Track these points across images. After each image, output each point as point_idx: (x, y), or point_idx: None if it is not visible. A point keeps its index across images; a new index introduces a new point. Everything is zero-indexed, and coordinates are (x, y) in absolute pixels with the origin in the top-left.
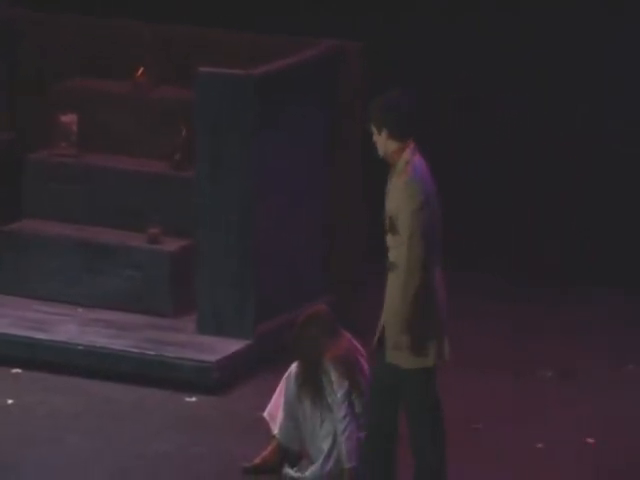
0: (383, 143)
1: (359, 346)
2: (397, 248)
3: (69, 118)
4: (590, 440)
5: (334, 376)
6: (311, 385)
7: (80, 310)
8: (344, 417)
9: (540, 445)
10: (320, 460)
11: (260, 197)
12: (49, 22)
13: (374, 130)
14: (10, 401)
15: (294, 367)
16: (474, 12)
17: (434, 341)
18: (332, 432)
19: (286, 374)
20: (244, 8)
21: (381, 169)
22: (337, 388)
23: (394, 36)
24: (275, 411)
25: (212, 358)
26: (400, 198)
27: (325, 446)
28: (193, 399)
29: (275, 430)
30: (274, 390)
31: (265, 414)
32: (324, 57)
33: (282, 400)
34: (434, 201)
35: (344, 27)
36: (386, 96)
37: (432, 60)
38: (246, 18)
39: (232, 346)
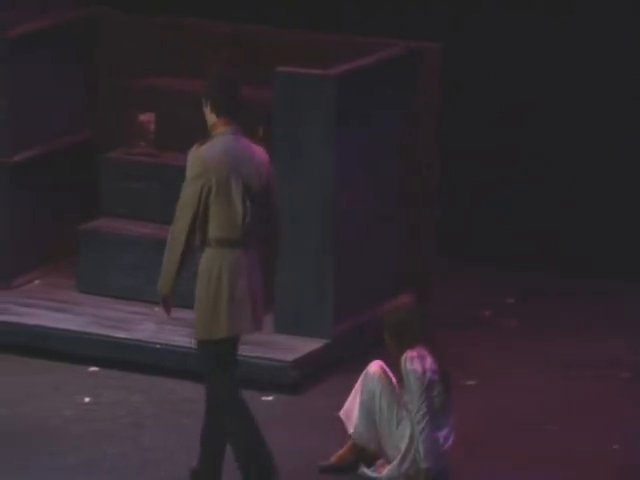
0: (207, 115)
1: (435, 345)
2: None
3: (147, 117)
4: None
5: (413, 374)
6: (391, 385)
7: (157, 309)
8: (422, 417)
9: (616, 447)
10: (397, 460)
11: (338, 196)
12: (126, 21)
13: (203, 102)
14: (88, 399)
15: (371, 367)
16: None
17: (223, 315)
18: (409, 432)
19: (363, 374)
20: (322, 9)
21: (457, 168)
22: (415, 386)
23: (470, 36)
24: (351, 411)
25: (289, 357)
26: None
27: (402, 446)
28: (270, 398)
29: (351, 430)
30: (351, 389)
31: (341, 414)
32: (401, 57)
33: (358, 400)
34: (230, 177)
35: (422, 27)
36: (214, 73)
37: (505, 60)
38: (325, 19)
39: (310, 345)
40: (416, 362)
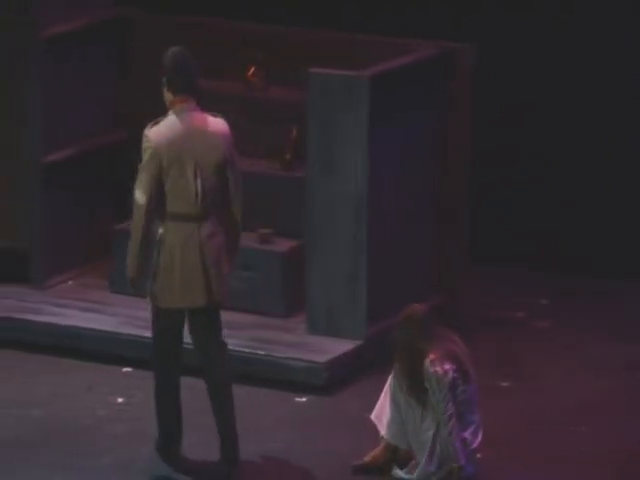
0: (165, 95)
1: (462, 345)
2: None
3: None
4: None
5: (435, 376)
6: (412, 386)
7: None
8: (449, 418)
9: None
10: (424, 460)
11: (372, 197)
12: (160, 22)
13: (162, 80)
14: (121, 399)
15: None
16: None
17: (174, 287)
18: (433, 431)
19: (391, 375)
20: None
21: (491, 169)
22: (439, 388)
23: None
24: (381, 412)
25: (322, 358)
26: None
27: (427, 445)
28: (303, 399)
29: (382, 432)
30: (382, 391)
31: (372, 417)
32: (434, 58)
33: (388, 400)
34: (182, 154)
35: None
36: (170, 54)
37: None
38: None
39: (342, 346)
40: (438, 364)
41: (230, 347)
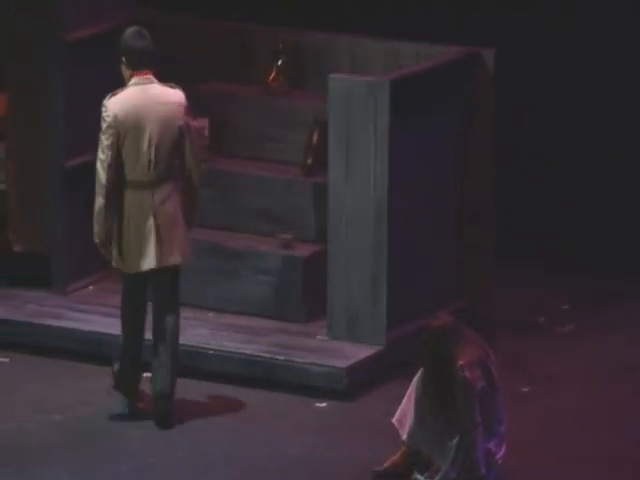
0: (124, 72)
1: (490, 352)
2: None
3: (200, 122)
4: None
5: (465, 382)
6: (439, 392)
7: (211, 314)
8: (475, 426)
9: None
10: (446, 466)
11: (393, 201)
12: (179, 26)
13: (120, 61)
14: (141, 405)
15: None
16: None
17: (130, 252)
18: (457, 438)
19: (415, 379)
20: (377, 14)
21: (513, 173)
22: (468, 394)
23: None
24: (404, 417)
25: (343, 364)
26: None
27: (450, 452)
28: (323, 404)
29: (404, 436)
30: (404, 396)
31: (394, 420)
32: (456, 62)
33: (411, 405)
34: (140, 123)
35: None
36: (126, 33)
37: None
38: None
39: (363, 352)
40: (467, 370)
41: (250, 352)
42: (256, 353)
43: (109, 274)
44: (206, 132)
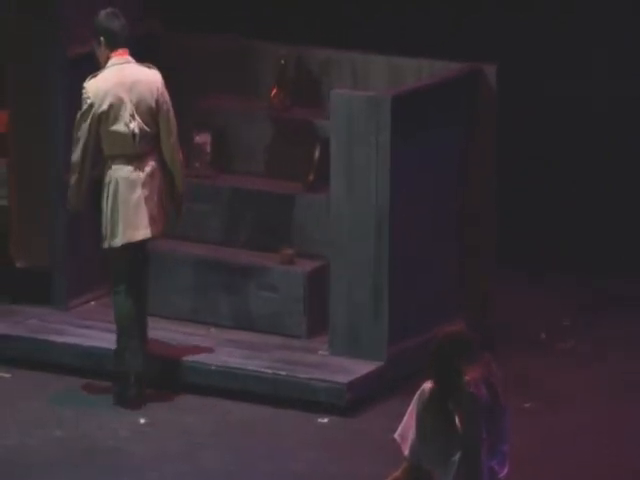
0: (102, 53)
1: (496, 370)
2: None
3: (203, 138)
4: None
5: (472, 397)
6: (443, 406)
7: (213, 330)
8: (478, 443)
9: None
10: None
11: (395, 217)
12: (183, 41)
13: (95, 42)
14: (143, 420)
15: (426, 385)
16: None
17: (120, 225)
18: (459, 455)
19: (417, 393)
20: (379, 31)
21: (515, 189)
22: (473, 410)
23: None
24: (406, 432)
25: (344, 379)
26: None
27: (452, 468)
28: (325, 420)
29: (406, 451)
30: (406, 412)
31: (396, 435)
32: (458, 78)
33: (413, 421)
34: (119, 101)
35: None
36: (102, 15)
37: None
38: (381, 40)
39: (365, 367)
40: (474, 386)
41: (252, 368)
42: (258, 369)
43: (111, 290)
44: (208, 147)
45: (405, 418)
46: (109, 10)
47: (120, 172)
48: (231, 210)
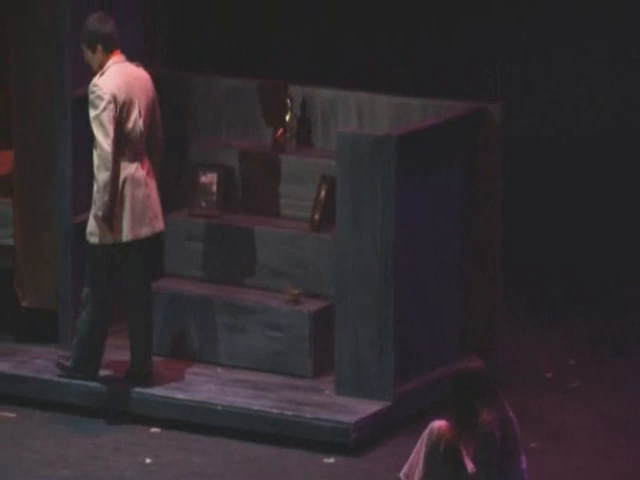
0: (98, 58)
1: (512, 414)
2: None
3: (209, 178)
4: None
5: (488, 438)
6: (456, 446)
7: (220, 370)
8: None
9: None
10: None
11: (400, 256)
12: (189, 80)
13: (85, 49)
14: (149, 460)
15: (434, 424)
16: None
17: (125, 221)
18: None
19: (425, 432)
20: (385, 71)
21: (521, 228)
22: (487, 451)
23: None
24: (412, 471)
25: (350, 419)
26: (89, 103)
27: None
28: (331, 460)
29: None
30: (412, 451)
31: (402, 474)
32: (463, 117)
33: (419, 460)
34: (129, 99)
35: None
36: (95, 20)
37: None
38: (387, 80)
39: (371, 407)
40: (488, 427)
41: (258, 408)
42: (264, 409)
43: (118, 329)
44: (214, 187)
45: (411, 457)
46: (98, 15)
47: (127, 170)
48: (237, 249)
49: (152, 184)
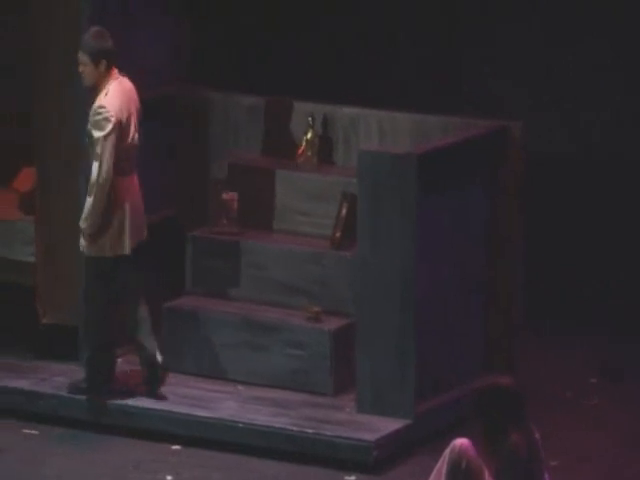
0: (99, 73)
1: (537, 432)
2: (93, 164)
3: (230, 196)
4: None
5: (515, 457)
6: (479, 463)
7: (240, 387)
8: None
9: None
10: None
11: (420, 275)
12: (210, 98)
13: (87, 61)
14: (169, 477)
15: (456, 442)
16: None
17: (126, 234)
18: None
19: (447, 450)
20: (406, 89)
21: (544, 247)
22: (513, 469)
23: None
24: None
25: (371, 437)
26: (92, 122)
27: None
28: (352, 478)
29: None
30: (433, 469)
31: None
32: (485, 136)
33: (441, 478)
34: (129, 115)
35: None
36: (98, 35)
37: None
38: (408, 99)
39: (392, 425)
40: (517, 446)
41: (279, 426)
42: (285, 426)
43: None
44: (235, 205)
45: (432, 475)
46: (96, 30)
47: (123, 182)
48: (257, 267)
49: (138, 193)
